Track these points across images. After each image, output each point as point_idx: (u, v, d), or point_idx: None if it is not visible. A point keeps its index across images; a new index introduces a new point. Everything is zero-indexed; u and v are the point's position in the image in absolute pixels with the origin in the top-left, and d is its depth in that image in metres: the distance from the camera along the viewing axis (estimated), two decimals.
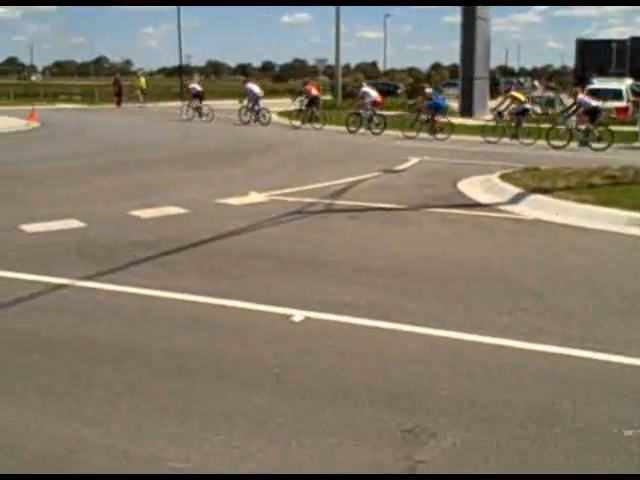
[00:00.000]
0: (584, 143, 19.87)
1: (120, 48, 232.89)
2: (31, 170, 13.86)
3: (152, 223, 8.81)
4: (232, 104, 30.54)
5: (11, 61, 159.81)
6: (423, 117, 23.06)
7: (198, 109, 28.85)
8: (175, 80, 66.29)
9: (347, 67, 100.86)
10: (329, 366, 4.53)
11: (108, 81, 36.80)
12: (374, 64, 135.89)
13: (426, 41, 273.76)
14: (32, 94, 50.15)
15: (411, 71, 71.49)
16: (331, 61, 42.97)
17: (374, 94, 24.67)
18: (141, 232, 8.24)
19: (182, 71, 58.97)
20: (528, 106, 22.70)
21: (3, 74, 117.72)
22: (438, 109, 23.15)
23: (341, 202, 10.62)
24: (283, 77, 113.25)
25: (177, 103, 36.11)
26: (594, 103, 20.30)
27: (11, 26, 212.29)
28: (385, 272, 6.75)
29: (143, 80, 40.50)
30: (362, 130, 23.95)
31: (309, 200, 10.59)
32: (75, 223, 8.58)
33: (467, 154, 18.16)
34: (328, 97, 40.08)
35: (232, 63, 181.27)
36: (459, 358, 4.70)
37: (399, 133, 22.96)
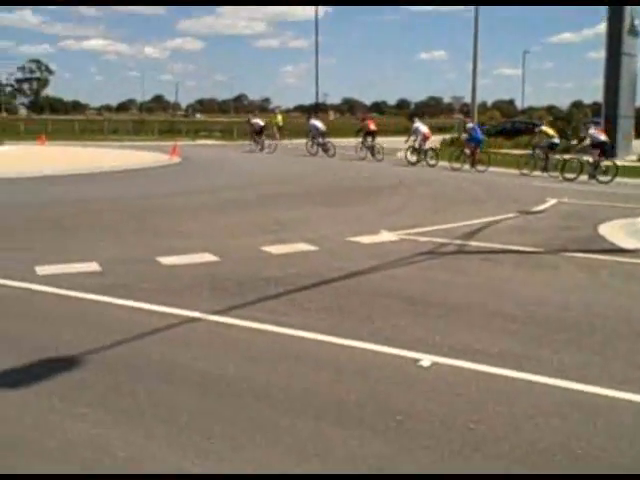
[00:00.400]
0: (592, 176, 21.04)
1: (259, 86, 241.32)
2: (171, 203, 14.44)
3: (283, 259, 8.91)
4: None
5: (158, 99, 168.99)
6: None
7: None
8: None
9: (483, 105, 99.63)
10: (457, 415, 4.34)
11: (244, 118, 37.86)
12: (511, 102, 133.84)
13: (567, 78, 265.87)
14: (175, 130, 52.66)
15: (550, 109, 69.76)
16: (467, 99, 42.58)
17: (424, 129, 26.48)
18: (272, 268, 8.34)
19: (318, 108, 60.23)
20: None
21: (150, 111, 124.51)
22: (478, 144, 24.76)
23: (474, 243, 10.37)
24: (418, 115, 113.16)
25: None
26: (603, 138, 21.35)
27: (159, 66, 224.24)
28: (518, 318, 6.48)
29: (280, 117, 41.55)
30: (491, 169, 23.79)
31: (441, 240, 10.41)
32: (209, 257, 8.81)
33: (606, 196, 17.39)
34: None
35: (367, 100, 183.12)
36: (597, 415, 4.39)
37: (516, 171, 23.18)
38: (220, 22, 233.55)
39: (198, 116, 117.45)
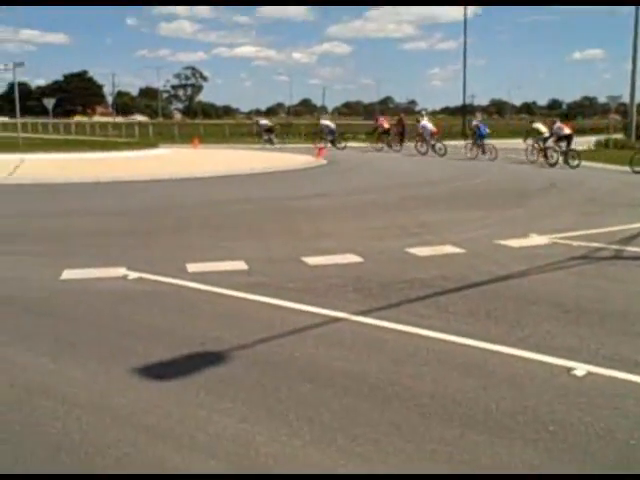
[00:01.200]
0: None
1: (405, 89, 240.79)
2: (316, 204, 14.58)
3: (428, 261, 8.75)
4: (516, 142, 30.50)
5: (305, 102, 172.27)
6: None
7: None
8: (458, 119, 66.80)
9: None
10: (614, 430, 4.05)
11: (392, 121, 37.92)
12: None
13: None
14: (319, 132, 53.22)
15: None
16: (625, 98, 40.48)
17: (430, 127, 31.49)
18: (416, 270, 8.20)
19: (465, 110, 59.22)
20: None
21: (297, 114, 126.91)
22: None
23: (633, 249, 9.75)
24: (572, 115, 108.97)
25: (459, 142, 36.26)
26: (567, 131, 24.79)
27: (307, 70, 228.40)
28: None
29: (426, 119, 41.17)
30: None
31: (596, 245, 9.88)
32: (353, 258, 8.79)
33: None
34: (619, 135, 37.92)
35: (516, 101, 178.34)
36: None
37: None
38: (368, 26, 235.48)
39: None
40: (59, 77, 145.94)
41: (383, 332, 5.90)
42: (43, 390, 4.70)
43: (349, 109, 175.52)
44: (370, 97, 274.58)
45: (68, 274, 7.90)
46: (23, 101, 37.73)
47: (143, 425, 4.17)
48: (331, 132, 36.58)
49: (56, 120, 59.37)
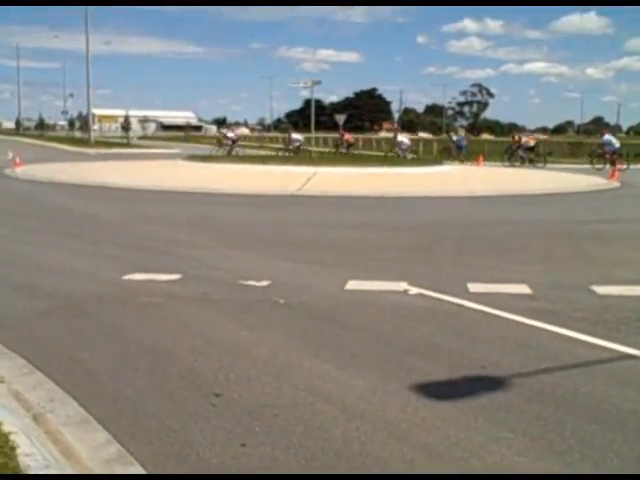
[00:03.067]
0: None
1: None
2: (608, 229, 13.73)
3: None
4: None
5: (597, 120, 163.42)
6: None
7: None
8: None
9: None
10: None
11: None
12: None
13: None
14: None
15: None
16: None
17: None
18: None
19: None
20: None
21: (587, 133, 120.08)
22: None
23: None
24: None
25: None
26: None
27: (601, 87, 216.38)
28: None
29: None
30: None
31: None
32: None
33: None
34: None
35: None
36: None
37: None
38: None
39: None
40: (350, 94, 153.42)
41: None
42: (325, 396, 4.89)
43: None
44: None
45: (352, 285, 8.19)
46: (316, 117, 40.12)
47: (421, 444, 4.17)
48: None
49: None
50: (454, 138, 40.83)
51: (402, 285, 8.14)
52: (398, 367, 5.49)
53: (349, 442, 4.19)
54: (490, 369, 5.43)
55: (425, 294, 7.79)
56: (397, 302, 7.52)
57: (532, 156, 34.52)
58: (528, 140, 35.56)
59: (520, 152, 34.52)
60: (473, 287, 8.06)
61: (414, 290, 7.94)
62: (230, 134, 38.71)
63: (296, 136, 38.35)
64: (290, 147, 36.58)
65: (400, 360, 5.66)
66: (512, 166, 33.49)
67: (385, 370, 5.41)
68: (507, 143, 38.39)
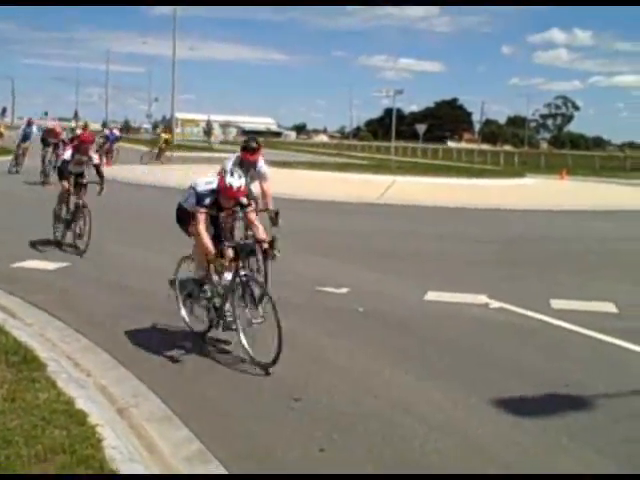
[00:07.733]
0: None
1: None
2: None
3: None
4: None
5: None
6: None
7: None
8: None
9: None
10: None
11: None
12: None
13: None
14: None
15: None
16: None
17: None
18: None
19: None
20: None
21: None
22: None
23: None
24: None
25: None
26: None
27: None
28: None
29: None
30: None
31: None
32: None
33: None
34: None
35: None
36: None
37: None
38: None
39: None
40: (430, 104, 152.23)
41: None
42: (405, 407, 4.86)
43: None
44: None
45: (431, 295, 8.12)
46: (396, 126, 39.98)
47: (501, 461, 4.10)
48: None
49: (425, 145, 61.89)
50: None
51: (483, 298, 8.02)
52: (479, 381, 5.41)
53: (428, 455, 4.16)
54: (574, 388, 5.30)
55: (506, 308, 7.66)
56: (478, 315, 7.42)
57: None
58: None
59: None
60: (557, 304, 7.87)
61: (495, 304, 7.81)
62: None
63: None
64: None
65: (481, 374, 5.58)
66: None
67: (465, 383, 5.35)
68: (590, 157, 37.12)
